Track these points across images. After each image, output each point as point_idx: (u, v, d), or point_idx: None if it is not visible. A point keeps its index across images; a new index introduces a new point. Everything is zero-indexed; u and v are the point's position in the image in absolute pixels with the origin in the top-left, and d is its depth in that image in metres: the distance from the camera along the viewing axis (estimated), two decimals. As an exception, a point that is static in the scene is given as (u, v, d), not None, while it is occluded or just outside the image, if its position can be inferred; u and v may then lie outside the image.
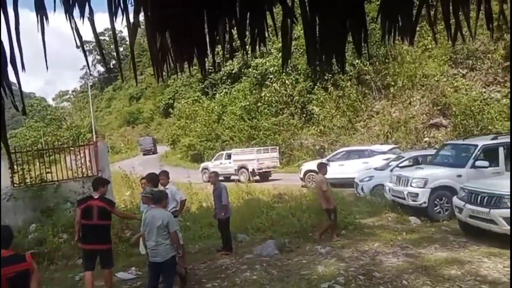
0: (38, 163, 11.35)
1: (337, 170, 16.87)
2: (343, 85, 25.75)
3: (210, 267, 7.42)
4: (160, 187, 7.01)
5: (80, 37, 1.52)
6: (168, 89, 63.69)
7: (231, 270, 7.14)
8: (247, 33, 1.70)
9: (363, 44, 1.72)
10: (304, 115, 28.68)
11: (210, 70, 41.39)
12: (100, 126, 69.80)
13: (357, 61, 24.25)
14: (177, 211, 7.22)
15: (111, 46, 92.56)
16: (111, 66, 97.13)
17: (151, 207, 5.73)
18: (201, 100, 43.21)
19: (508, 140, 10.29)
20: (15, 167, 10.52)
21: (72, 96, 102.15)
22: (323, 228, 8.85)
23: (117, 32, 1.63)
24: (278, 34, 1.73)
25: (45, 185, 10.57)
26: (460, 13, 1.67)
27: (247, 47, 1.73)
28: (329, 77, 26.47)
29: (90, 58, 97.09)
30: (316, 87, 27.50)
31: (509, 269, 6.32)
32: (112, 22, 1.56)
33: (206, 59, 1.85)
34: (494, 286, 5.73)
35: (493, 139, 10.54)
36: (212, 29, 1.71)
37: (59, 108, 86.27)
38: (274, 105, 29.84)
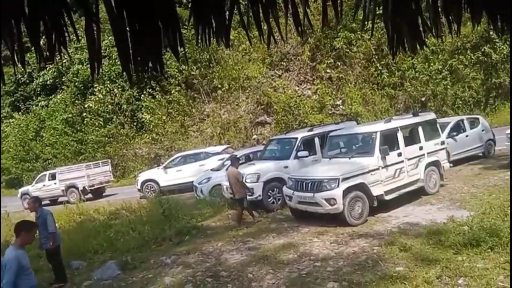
0: None
1: (175, 176, 16.81)
2: (171, 90, 25.73)
3: (42, 306, 6.49)
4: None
5: None
6: (-34, 106, 53.79)
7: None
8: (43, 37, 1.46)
9: (180, 49, 1.65)
10: (135, 123, 27.67)
11: (20, 81, 36.59)
12: None
13: (183, 66, 24.52)
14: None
15: None
16: None
17: None
18: (12, 116, 37.70)
19: (321, 130, 11.78)
20: None
21: None
22: (239, 214, 9.78)
23: None
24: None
25: None
26: (271, 17, 1.73)
27: (44, 53, 1.48)
28: (156, 84, 26.10)
29: None
30: (144, 94, 26.80)
31: (335, 244, 7.21)
32: None
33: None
34: (325, 262, 6.42)
35: (309, 131, 11.91)
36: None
37: None
38: (101, 115, 27.94)
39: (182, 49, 1.67)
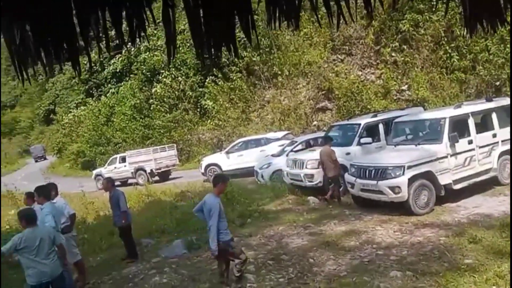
0: None
1: (236, 160, 17.14)
2: (233, 77, 26.11)
3: (116, 278, 6.98)
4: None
5: None
6: (47, 93, 58.38)
7: (139, 277, 6.80)
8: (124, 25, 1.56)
9: (251, 31, 1.68)
10: (198, 109, 28.47)
11: (92, 70, 38.88)
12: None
13: (245, 53, 24.75)
14: (68, 226, 6.64)
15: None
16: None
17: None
18: (86, 103, 40.41)
19: (386, 116, 11.41)
20: None
21: None
22: (335, 192, 9.90)
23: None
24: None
25: None
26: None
27: (125, 39, 1.58)
28: (219, 71, 26.69)
29: None
30: (207, 81, 27.46)
31: (399, 233, 7.03)
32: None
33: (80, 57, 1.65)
34: (388, 250, 6.29)
35: (373, 116, 11.58)
36: (83, 23, 1.53)
37: None
38: (166, 102, 29.06)
39: (254, 32, 1.70)
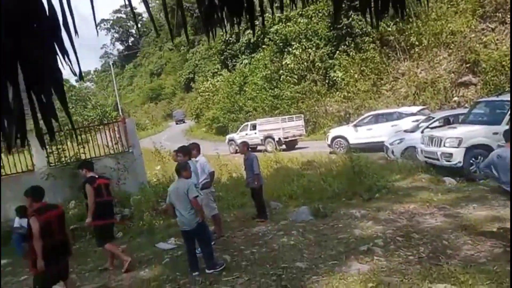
0: (70, 143, 11.63)
1: (365, 134, 16.71)
2: (366, 48, 25.10)
3: (247, 235, 7.53)
4: (192, 159, 7.10)
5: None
6: (187, 63, 63.64)
7: (268, 236, 7.24)
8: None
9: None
10: (327, 81, 28.20)
11: (228, 41, 41.01)
12: (123, 104, 70.65)
13: (379, 22, 23.49)
14: (208, 182, 7.31)
15: (130, 23, 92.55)
16: (130, 44, 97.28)
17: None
18: (221, 73, 43.08)
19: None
20: (50, 147, 10.81)
21: (94, 76, 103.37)
22: None
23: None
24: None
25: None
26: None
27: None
28: (351, 41, 25.91)
29: (108, 37, 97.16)
30: (338, 52, 26.91)
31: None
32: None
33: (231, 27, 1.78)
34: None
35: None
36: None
37: (83, 88, 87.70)
38: (296, 73, 29.37)
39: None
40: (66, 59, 1.40)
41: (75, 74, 1.49)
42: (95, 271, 6.87)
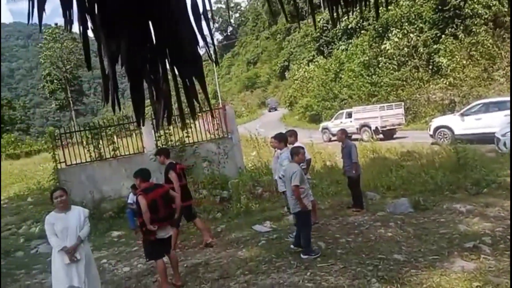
0: (175, 128, 12.50)
1: (473, 124, 15.44)
2: (477, 31, 22.95)
3: (342, 223, 7.49)
4: (289, 146, 7.23)
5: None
6: (283, 51, 64.10)
7: (364, 226, 7.12)
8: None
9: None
10: (430, 67, 26.42)
11: (324, 28, 40.33)
12: (221, 92, 73.64)
13: (493, 1, 21.31)
14: (305, 169, 7.38)
15: (229, 12, 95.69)
16: (229, 33, 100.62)
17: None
18: (316, 60, 42.63)
19: None
20: (158, 132, 11.75)
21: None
22: None
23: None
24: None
25: (185, 146, 11.65)
26: None
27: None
28: (460, 22, 23.87)
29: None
30: (443, 35, 25.01)
31: None
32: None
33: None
34: None
35: None
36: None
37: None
38: (396, 59, 27.97)
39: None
40: (204, 45, 1.55)
41: (212, 60, 1.66)
42: (197, 248, 7.40)
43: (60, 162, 10.75)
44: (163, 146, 11.72)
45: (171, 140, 11.80)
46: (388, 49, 27.93)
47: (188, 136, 11.88)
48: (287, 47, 61.81)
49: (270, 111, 58.28)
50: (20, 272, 7.61)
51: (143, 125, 1.76)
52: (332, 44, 40.88)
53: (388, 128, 21.20)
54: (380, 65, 28.96)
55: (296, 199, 5.85)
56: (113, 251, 8.04)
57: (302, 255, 5.90)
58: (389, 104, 22.93)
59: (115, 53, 1.32)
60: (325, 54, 41.80)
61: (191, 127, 12.35)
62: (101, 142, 11.40)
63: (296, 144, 7.72)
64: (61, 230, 4.79)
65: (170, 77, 1.45)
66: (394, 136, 21.41)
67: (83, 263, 4.86)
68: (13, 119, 63.23)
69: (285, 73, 59.47)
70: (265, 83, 71.86)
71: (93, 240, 8.37)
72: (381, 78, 28.52)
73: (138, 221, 5.57)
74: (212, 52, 1.57)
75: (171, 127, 12.44)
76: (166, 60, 1.44)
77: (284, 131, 7.98)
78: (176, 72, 1.43)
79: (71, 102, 59.20)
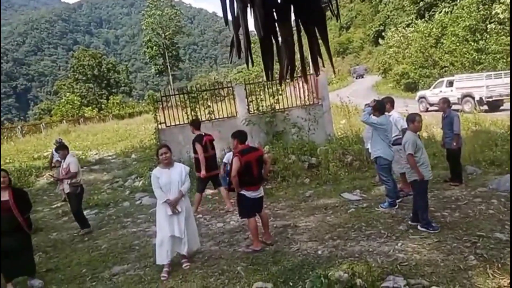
0: (265, 94, 12.68)
1: None
2: None
3: (438, 197, 7.15)
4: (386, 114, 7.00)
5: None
6: (378, 15, 60.73)
7: (462, 201, 6.74)
8: None
9: None
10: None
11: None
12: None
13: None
14: (400, 139, 7.09)
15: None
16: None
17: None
18: (415, 24, 39.71)
19: None
20: (250, 97, 12.05)
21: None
22: None
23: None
24: None
25: (275, 112, 11.81)
26: None
27: None
28: None
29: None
30: None
31: None
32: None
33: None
34: None
35: None
36: None
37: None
38: (507, 24, 25.01)
39: None
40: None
41: (333, 14, 1.67)
42: (286, 209, 7.62)
43: (160, 123, 11.54)
44: (254, 111, 12.01)
45: (261, 106, 12.02)
46: (499, 13, 25.03)
47: (277, 102, 11.99)
48: (384, 10, 58.34)
49: (357, 78, 57.40)
50: (127, 220, 8.51)
51: (271, 80, 1.84)
52: (434, 6, 37.65)
53: (494, 98, 19.30)
54: (488, 30, 26.15)
55: (411, 167, 5.68)
56: (207, 207, 8.58)
57: (419, 227, 5.66)
58: (497, 72, 20.76)
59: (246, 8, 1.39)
60: (425, 18, 38.70)
61: (281, 94, 12.42)
62: (197, 106, 11.99)
63: (392, 113, 7.46)
64: (165, 184, 5.24)
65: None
66: (501, 108, 19.47)
67: (183, 216, 5.30)
68: (118, 82, 68.85)
69: (379, 39, 56.46)
70: (358, 48, 69.01)
71: (190, 197, 9.00)
72: (489, 44, 25.82)
73: (229, 180, 5.84)
74: (334, 6, 1.58)
75: (262, 93, 12.68)
76: (291, 15, 1.48)
77: (382, 98, 7.72)
78: (301, 26, 1.47)
79: (168, 67, 62.36)
